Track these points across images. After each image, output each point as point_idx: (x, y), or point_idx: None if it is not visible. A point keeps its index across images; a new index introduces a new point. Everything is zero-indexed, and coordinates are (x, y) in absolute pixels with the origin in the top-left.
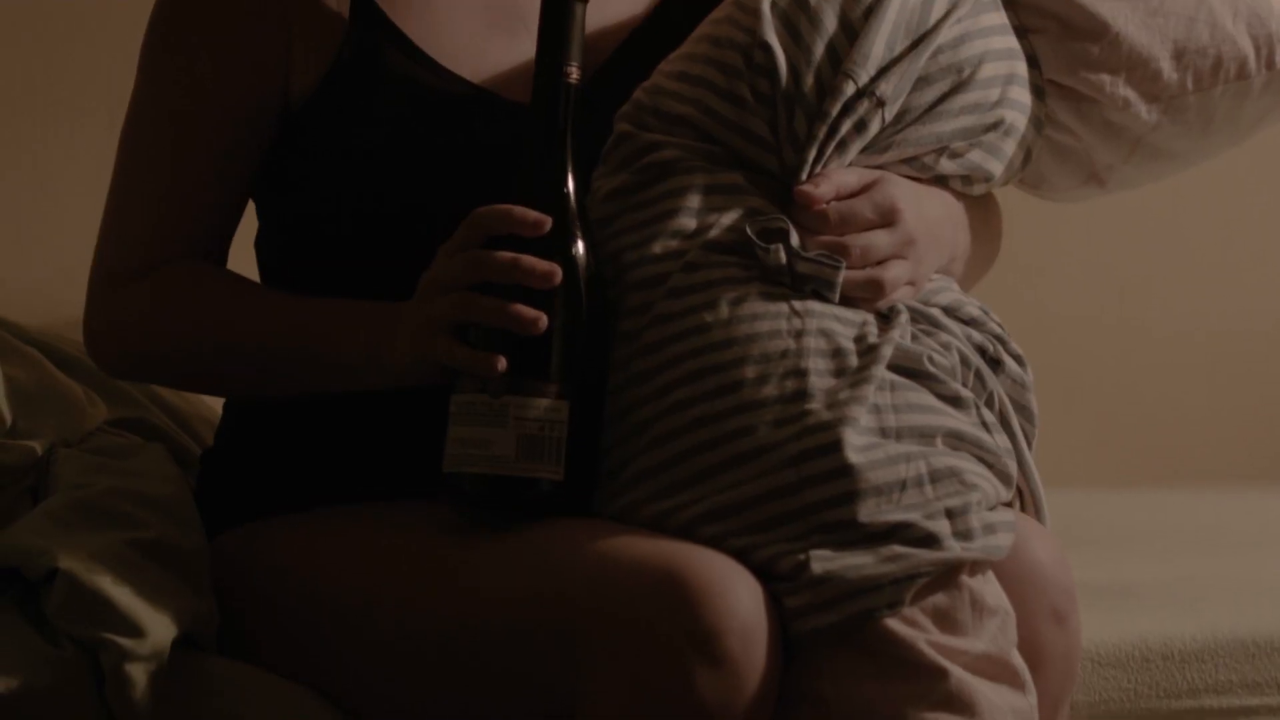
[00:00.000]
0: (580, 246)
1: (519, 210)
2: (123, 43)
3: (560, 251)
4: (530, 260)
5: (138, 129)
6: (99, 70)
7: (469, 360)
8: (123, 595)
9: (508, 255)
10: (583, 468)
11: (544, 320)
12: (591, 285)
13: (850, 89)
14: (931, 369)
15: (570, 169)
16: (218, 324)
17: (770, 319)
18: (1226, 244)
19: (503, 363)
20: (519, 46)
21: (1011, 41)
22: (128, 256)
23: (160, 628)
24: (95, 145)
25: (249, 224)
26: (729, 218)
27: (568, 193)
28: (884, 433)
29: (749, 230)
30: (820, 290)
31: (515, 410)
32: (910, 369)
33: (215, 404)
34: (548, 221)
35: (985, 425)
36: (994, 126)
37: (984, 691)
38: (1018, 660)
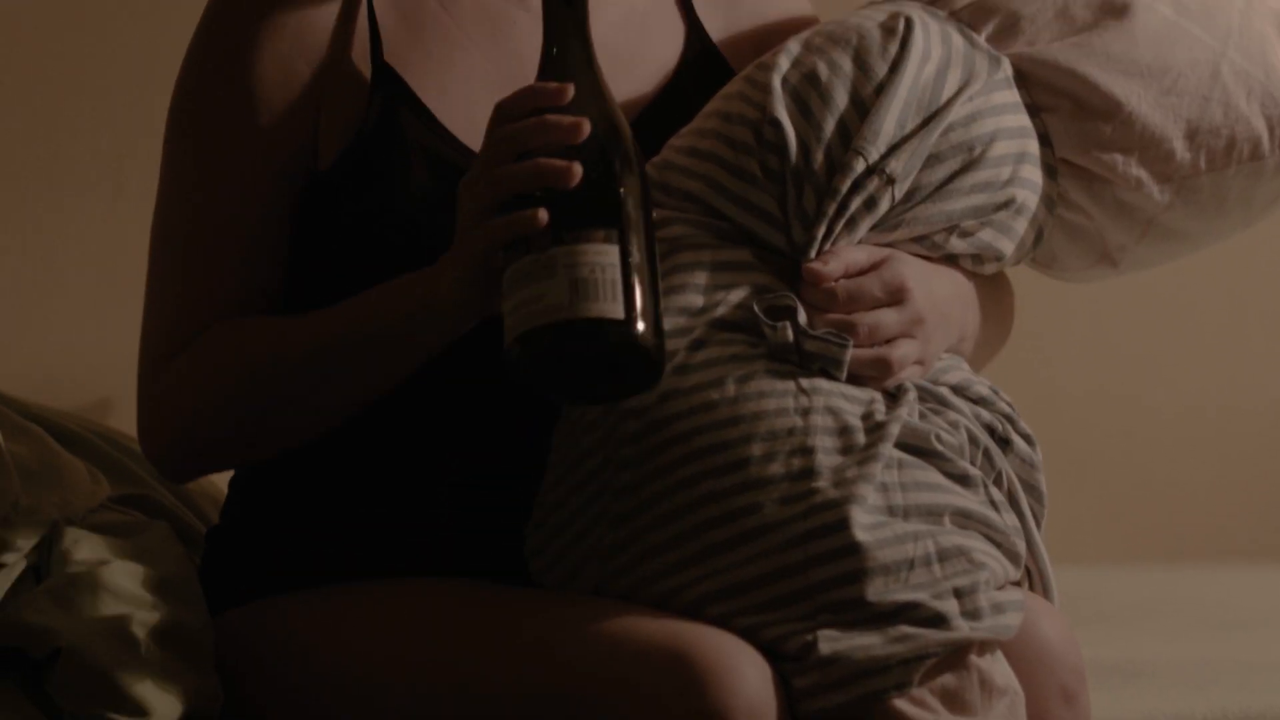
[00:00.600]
0: (605, 101)
1: (538, 86)
2: (127, 116)
3: (584, 110)
4: (554, 117)
5: (167, 212)
6: (103, 144)
7: (508, 224)
8: (127, 674)
9: (533, 124)
10: (646, 308)
11: (578, 168)
12: (620, 132)
13: (860, 166)
14: (939, 447)
15: (581, 37)
16: (264, 346)
17: (777, 397)
18: (1233, 320)
19: (544, 214)
20: None
21: (1023, 119)
22: (169, 342)
23: (165, 707)
24: (98, 220)
25: None
26: (736, 295)
27: (585, 58)
28: (891, 511)
29: (756, 308)
30: (827, 368)
31: (563, 259)
32: (918, 447)
33: (220, 481)
34: (570, 88)
35: (994, 504)
36: (1005, 205)
37: None
38: None
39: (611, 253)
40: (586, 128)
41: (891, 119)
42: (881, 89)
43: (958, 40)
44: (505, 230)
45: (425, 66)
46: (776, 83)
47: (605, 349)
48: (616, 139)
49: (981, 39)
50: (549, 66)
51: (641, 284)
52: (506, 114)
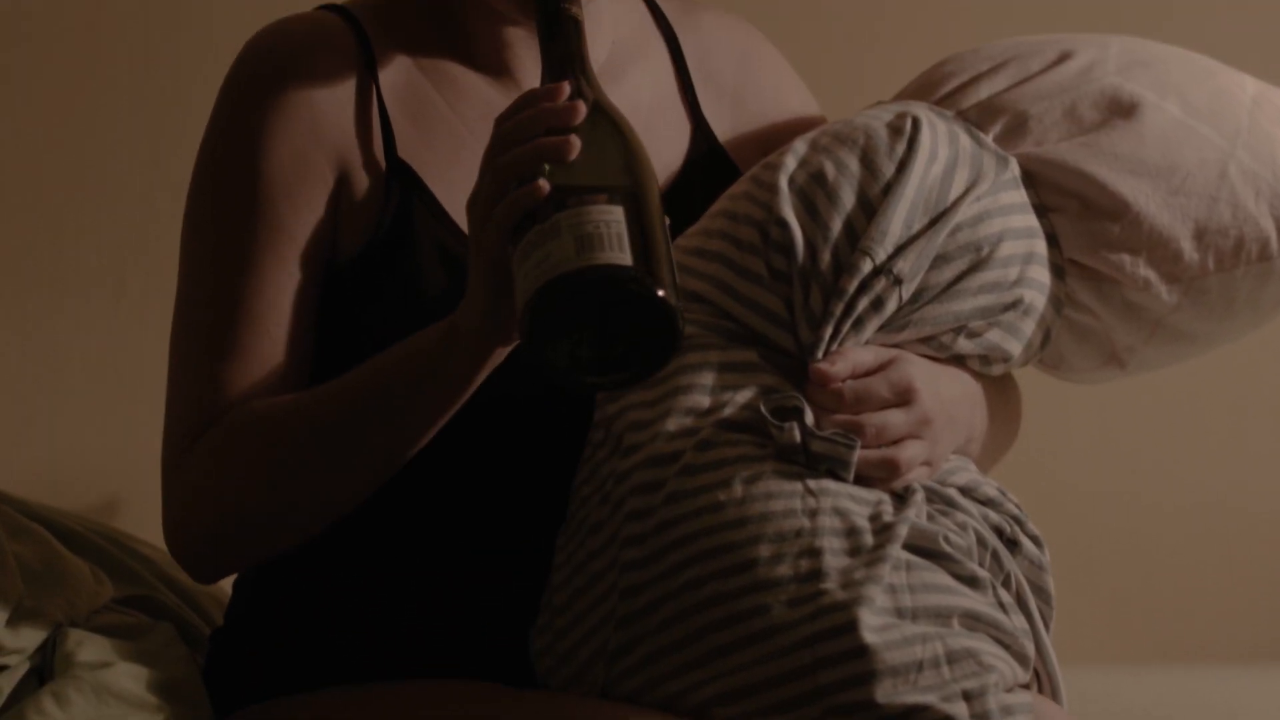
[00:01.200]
0: (601, 95)
1: (534, 89)
2: (129, 217)
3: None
4: (550, 105)
5: (188, 303)
6: (105, 244)
7: (512, 201)
8: None
9: (528, 115)
10: (656, 260)
11: (575, 139)
12: (618, 116)
13: (867, 266)
14: (947, 549)
15: (574, 47)
16: (288, 413)
17: (784, 498)
18: (1239, 420)
19: (545, 184)
20: None
21: (1031, 220)
22: (190, 434)
23: None
24: (101, 320)
25: None
26: (743, 395)
27: (573, 55)
28: (900, 613)
29: (763, 408)
30: (835, 469)
31: (567, 220)
32: (926, 549)
33: (225, 582)
34: (565, 84)
35: (1002, 606)
36: (1013, 306)
37: None
38: None
39: (616, 212)
40: (582, 109)
41: (899, 219)
42: (889, 189)
43: (965, 140)
44: (510, 210)
45: (435, 163)
46: (783, 182)
47: (615, 296)
48: (615, 122)
49: (989, 139)
50: (547, 77)
51: (649, 240)
52: (505, 118)
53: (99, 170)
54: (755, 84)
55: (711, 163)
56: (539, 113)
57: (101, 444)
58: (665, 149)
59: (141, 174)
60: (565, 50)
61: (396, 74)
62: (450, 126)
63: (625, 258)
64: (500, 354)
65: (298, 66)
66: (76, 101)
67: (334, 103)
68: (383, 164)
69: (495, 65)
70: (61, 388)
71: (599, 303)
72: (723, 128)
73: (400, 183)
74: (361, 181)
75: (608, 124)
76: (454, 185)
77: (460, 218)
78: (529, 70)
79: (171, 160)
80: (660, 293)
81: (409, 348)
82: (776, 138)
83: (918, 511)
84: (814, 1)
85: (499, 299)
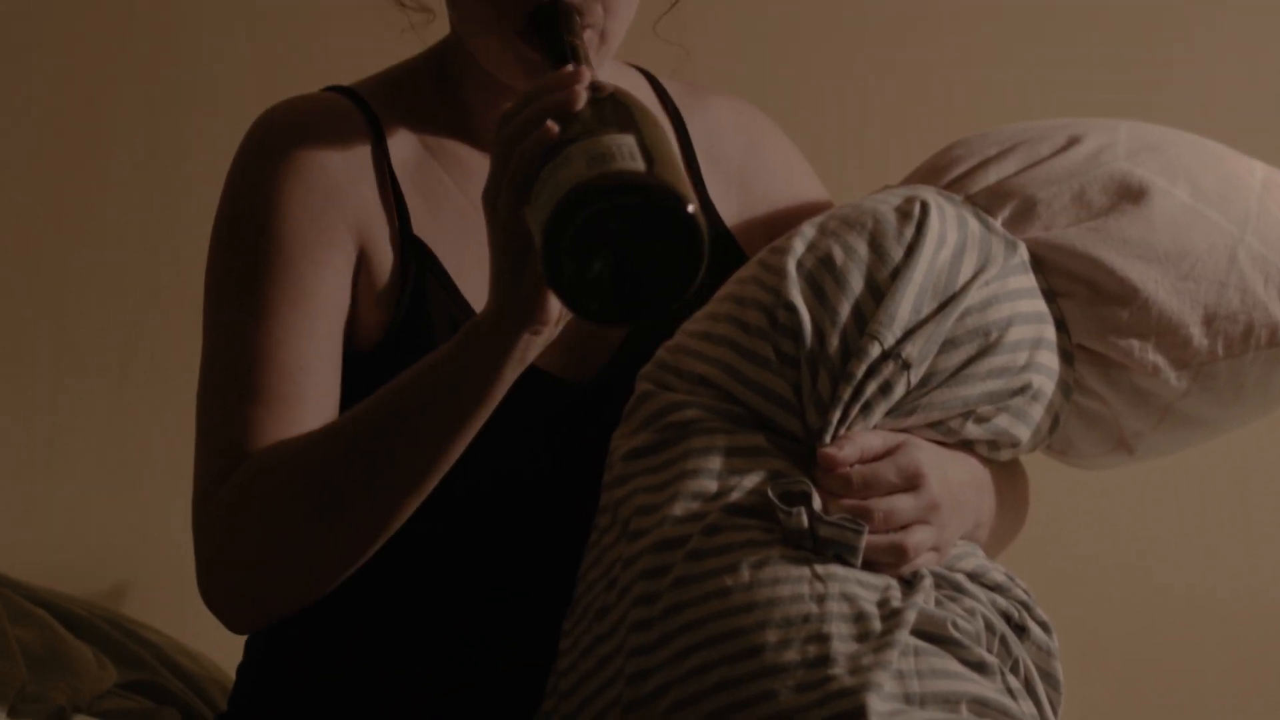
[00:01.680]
0: (594, 69)
1: (543, 81)
2: (133, 300)
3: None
4: (551, 81)
5: (213, 363)
6: (108, 328)
7: (522, 154)
8: None
9: (534, 89)
10: (670, 171)
11: (581, 89)
12: (614, 87)
13: (876, 351)
14: (956, 634)
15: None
16: (310, 444)
17: (792, 583)
18: (1245, 502)
19: (553, 126)
20: None
21: (1040, 305)
22: (217, 478)
23: None
24: (104, 403)
25: None
26: (751, 480)
27: (572, 45)
28: (908, 699)
29: (771, 493)
30: (842, 554)
31: (578, 148)
32: (934, 634)
33: (229, 666)
34: (568, 68)
35: (1010, 692)
36: (1021, 391)
37: None
38: None
39: (628, 138)
40: (586, 75)
41: (907, 303)
42: (897, 273)
43: (974, 225)
44: (521, 163)
45: (446, 242)
46: (791, 266)
47: (631, 202)
48: (617, 93)
49: (998, 223)
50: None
51: (665, 157)
52: (511, 108)
53: (101, 252)
54: (762, 168)
55: (717, 246)
56: (542, 88)
57: (105, 528)
58: None
59: (144, 257)
60: (558, 39)
61: (406, 151)
62: (459, 206)
63: (638, 165)
64: (522, 355)
65: (311, 137)
66: (78, 183)
67: (349, 173)
68: (399, 241)
69: None
70: (64, 471)
71: (615, 211)
72: (729, 211)
73: (416, 261)
74: (380, 258)
75: (611, 94)
76: (465, 264)
77: (473, 296)
78: None
79: (174, 242)
80: (679, 196)
81: (428, 359)
82: (783, 222)
83: (926, 597)
84: (818, 85)
85: (517, 275)
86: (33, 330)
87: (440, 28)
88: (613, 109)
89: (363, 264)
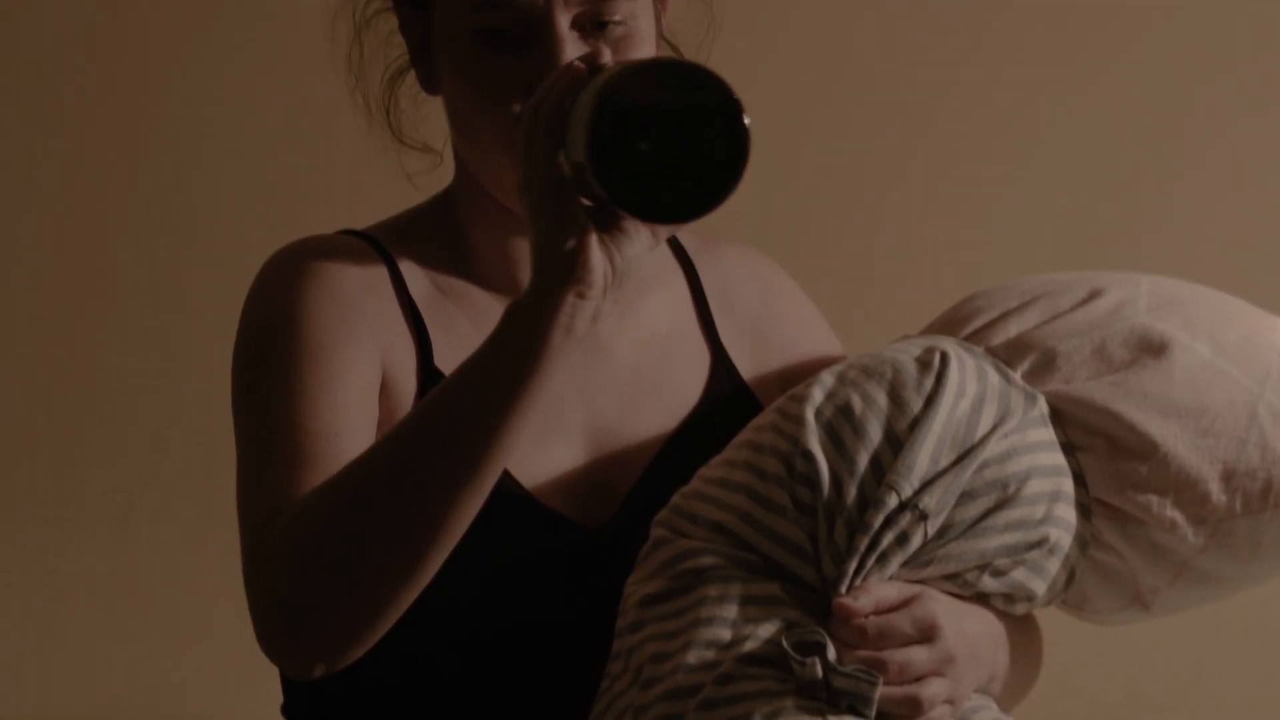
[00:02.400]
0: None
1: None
2: (135, 450)
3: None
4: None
5: (250, 450)
6: (111, 478)
7: (555, 94)
8: None
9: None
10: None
11: (605, 49)
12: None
13: (893, 501)
14: None
15: None
16: (350, 467)
17: None
18: (1261, 660)
19: (580, 64)
20: (552, 447)
21: (1058, 458)
22: (264, 531)
23: None
24: (107, 551)
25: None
26: (765, 629)
27: None
28: None
29: (785, 643)
30: (856, 705)
31: (611, 69)
32: None
33: None
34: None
35: None
36: (1038, 544)
37: None
38: None
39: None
40: (606, 50)
41: (925, 454)
42: (916, 424)
43: (993, 377)
44: (555, 103)
45: None
46: (809, 414)
47: (673, 76)
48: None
49: (1017, 376)
50: None
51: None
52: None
53: (103, 400)
54: (778, 319)
55: (732, 396)
56: (569, 67)
57: (108, 677)
58: (684, 380)
59: (147, 405)
60: None
61: (421, 288)
62: (474, 344)
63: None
64: (569, 321)
65: (331, 259)
66: (81, 331)
67: (372, 298)
68: (420, 372)
69: (507, 284)
70: (67, 619)
71: (660, 88)
72: (744, 361)
73: (430, 381)
74: (403, 385)
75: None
76: None
77: None
78: None
79: (177, 391)
80: (708, 71)
81: (465, 363)
82: (799, 373)
83: None
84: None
85: (557, 230)
86: (34, 477)
87: (443, 175)
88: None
89: (385, 388)
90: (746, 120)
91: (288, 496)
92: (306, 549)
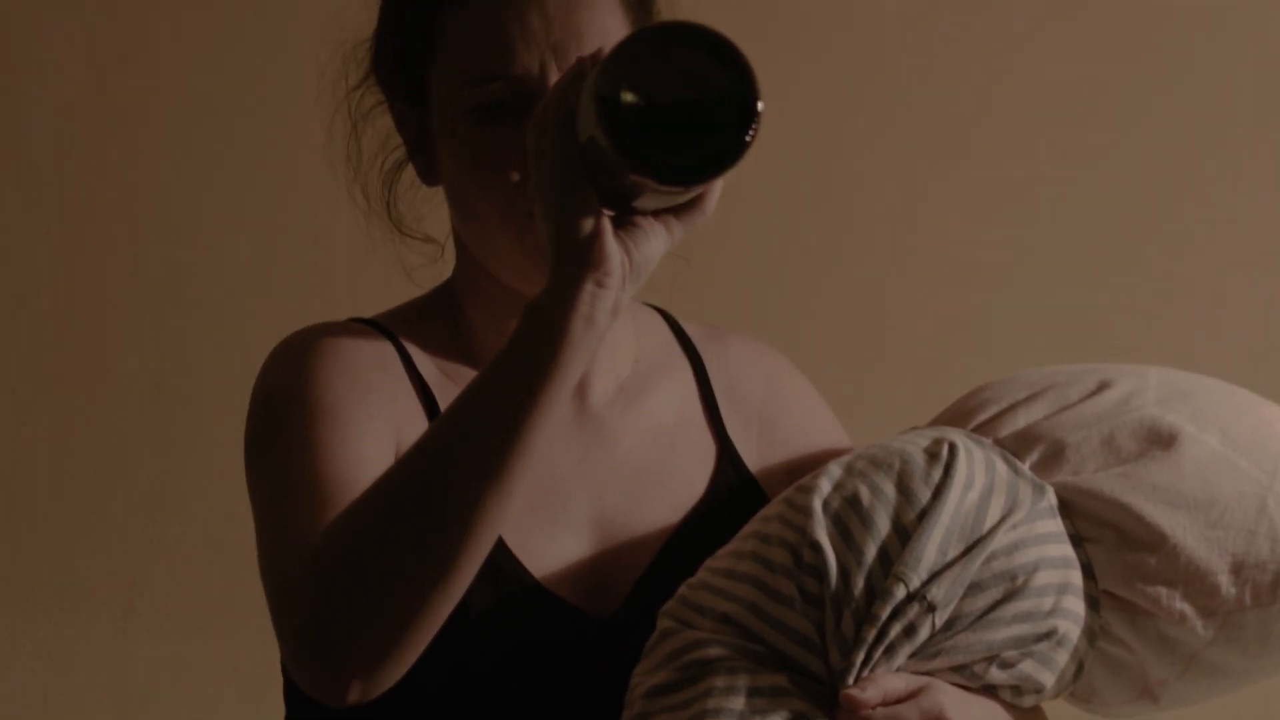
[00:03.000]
0: None
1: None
2: (137, 536)
3: None
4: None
5: (268, 509)
6: (114, 566)
7: (562, 89)
8: None
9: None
10: None
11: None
12: None
13: (901, 592)
14: None
15: None
16: (369, 489)
17: None
18: None
19: (586, 57)
20: (559, 537)
21: (1067, 550)
22: (293, 571)
23: None
24: (109, 642)
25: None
26: None
27: None
28: None
29: None
30: None
31: (606, 54)
32: None
33: None
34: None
35: None
36: (1047, 636)
37: None
38: None
39: None
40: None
41: (933, 546)
42: (924, 515)
43: (1001, 468)
44: (562, 94)
45: None
46: (817, 505)
47: (685, 35)
48: None
49: (1025, 467)
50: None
51: None
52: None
53: (105, 492)
54: (784, 410)
55: (738, 487)
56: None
57: None
58: (689, 471)
59: (149, 498)
60: None
61: (431, 373)
62: None
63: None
64: (589, 311)
65: (343, 338)
66: (83, 422)
67: (384, 378)
68: None
69: None
70: (69, 710)
71: (664, 53)
72: (750, 453)
73: None
74: None
75: None
76: None
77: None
78: None
79: (179, 483)
80: (729, 40)
81: (486, 367)
82: (805, 464)
83: None
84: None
85: (572, 216)
86: (37, 566)
87: (443, 269)
88: None
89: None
90: (754, 76)
91: (312, 540)
92: (336, 565)
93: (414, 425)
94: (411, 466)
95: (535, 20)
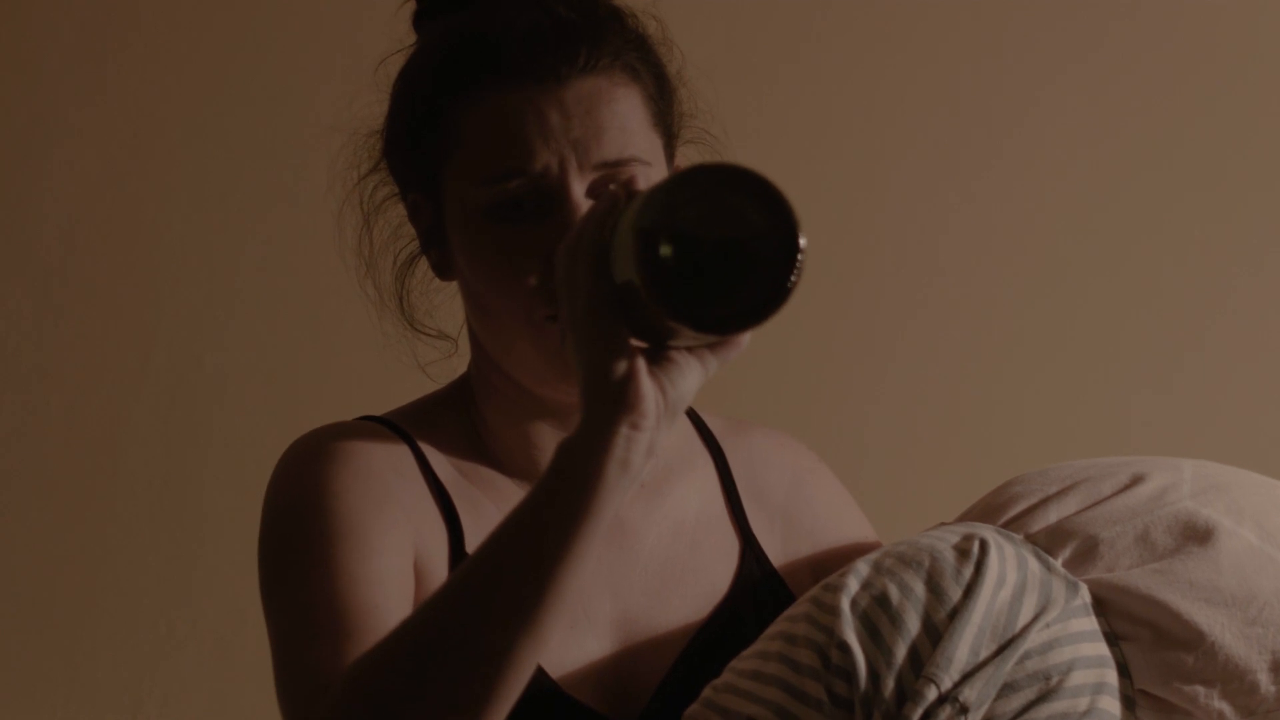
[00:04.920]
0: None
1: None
2: (146, 638)
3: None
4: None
5: (287, 631)
6: (121, 664)
7: (595, 218)
8: None
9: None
10: None
11: (637, 177)
12: None
13: (932, 694)
14: None
15: None
16: (396, 628)
17: None
18: None
19: (617, 188)
20: (580, 638)
21: (1102, 648)
22: (312, 706)
23: None
24: None
25: None
26: None
27: None
28: None
29: None
30: None
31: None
32: None
33: None
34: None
35: None
36: None
37: None
38: None
39: None
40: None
41: (965, 645)
42: (955, 614)
43: (1034, 565)
44: (595, 232)
45: None
46: (845, 605)
47: (717, 175)
48: None
49: (1058, 564)
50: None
51: None
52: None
53: (113, 591)
54: (808, 504)
55: (763, 584)
56: (614, 195)
57: None
58: (713, 567)
59: (157, 596)
60: None
61: (445, 471)
62: None
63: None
64: (624, 455)
65: (356, 441)
66: (90, 522)
67: (400, 480)
68: (452, 558)
69: (528, 468)
70: None
71: (705, 198)
72: (774, 548)
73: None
74: (435, 571)
75: None
76: None
77: None
78: None
79: (187, 582)
80: (772, 184)
81: (516, 508)
82: (830, 560)
83: None
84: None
85: (605, 359)
86: (44, 666)
87: (457, 364)
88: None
89: (417, 571)
90: (799, 225)
91: (333, 669)
92: (363, 710)
93: (432, 530)
94: (441, 611)
95: (554, 116)
